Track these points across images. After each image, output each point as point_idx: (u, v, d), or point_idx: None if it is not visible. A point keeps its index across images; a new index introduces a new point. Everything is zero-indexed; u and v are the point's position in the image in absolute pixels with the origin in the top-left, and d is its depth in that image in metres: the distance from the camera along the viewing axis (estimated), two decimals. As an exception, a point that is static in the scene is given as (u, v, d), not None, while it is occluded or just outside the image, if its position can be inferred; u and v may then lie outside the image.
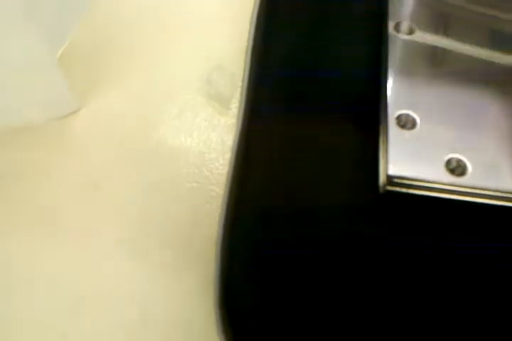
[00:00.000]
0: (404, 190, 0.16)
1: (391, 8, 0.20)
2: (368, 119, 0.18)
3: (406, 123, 0.17)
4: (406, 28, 0.19)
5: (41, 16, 0.24)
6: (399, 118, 0.17)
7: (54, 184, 0.24)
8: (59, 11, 0.28)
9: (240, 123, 0.23)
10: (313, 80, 0.20)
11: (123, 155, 0.26)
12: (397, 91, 0.18)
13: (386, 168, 0.16)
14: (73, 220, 0.23)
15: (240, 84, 0.28)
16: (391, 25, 0.19)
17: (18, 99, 0.25)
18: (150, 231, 0.23)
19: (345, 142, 0.18)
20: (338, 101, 0.19)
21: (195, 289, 0.22)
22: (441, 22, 0.21)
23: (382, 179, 0.16)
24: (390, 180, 0.16)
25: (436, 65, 0.19)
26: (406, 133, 0.17)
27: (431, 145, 0.17)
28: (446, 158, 0.16)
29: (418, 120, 0.17)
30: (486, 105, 0.18)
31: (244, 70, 0.25)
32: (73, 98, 0.26)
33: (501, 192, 0.16)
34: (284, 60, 0.22)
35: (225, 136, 0.26)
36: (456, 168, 0.16)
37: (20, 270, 0.22)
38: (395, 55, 0.19)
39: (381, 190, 0.16)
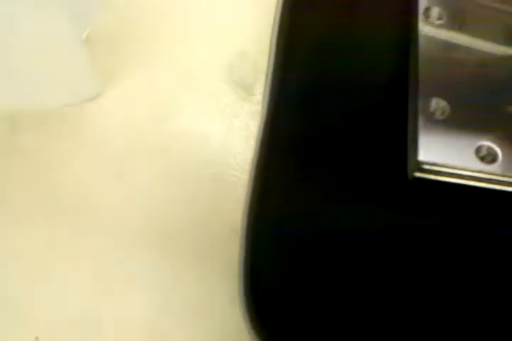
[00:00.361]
0: (432, 176, 0.16)
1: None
2: (397, 105, 0.18)
3: (436, 110, 0.17)
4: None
5: None
6: (429, 104, 0.17)
7: (73, 172, 0.25)
8: None
9: (265, 108, 0.23)
10: (342, 67, 0.20)
11: (144, 142, 0.26)
12: (427, 79, 0.17)
13: (416, 154, 0.16)
14: (94, 210, 0.24)
15: (263, 69, 0.28)
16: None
17: (39, 80, 0.26)
18: (172, 218, 0.24)
19: (373, 129, 0.18)
20: (366, 87, 0.19)
21: (218, 276, 0.22)
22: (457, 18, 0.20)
23: (410, 165, 0.16)
24: (419, 166, 0.16)
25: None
26: (436, 119, 0.17)
27: (461, 132, 0.17)
28: (477, 145, 0.16)
29: (448, 107, 0.17)
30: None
31: (270, 56, 0.25)
32: (95, 82, 0.26)
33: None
34: (311, 45, 0.22)
35: (249, 121, 0.26)
36: (487, 156, 0.16)
37: (38, 258, 0.23)
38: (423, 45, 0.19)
39: (409, 176, 0.16)
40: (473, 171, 0.16)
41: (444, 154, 0.16)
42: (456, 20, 0.19)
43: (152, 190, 0.24)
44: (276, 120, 0.21)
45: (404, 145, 0.17)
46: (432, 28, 0.18)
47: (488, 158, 0.16)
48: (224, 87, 0.27)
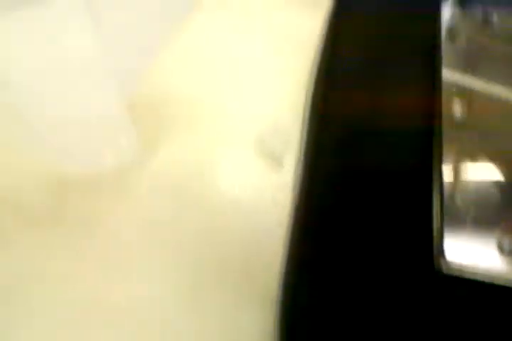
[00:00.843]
0: (458, 273, 0.17)
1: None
2: (422, 197, 0.19)
3: (461, 207, 0.18)
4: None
5: (113, 62, 0.26)
6: (454, 201, 0.18)
7: (112, 239, 0.26)
8: (130, 57, 0.31)
9: (297, 183, 0.24)
10: (370, 153, 0.22)
11: (177, 204, 0.27)
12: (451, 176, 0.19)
13: (442, 252, 0.17)
14: (126, 266, 0.25)
15: (294, 144, 0.29)
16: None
17: (85, 146, 0.27)
18: (203, 281, 0.25)
19: (400, 217, 0.19)
20: (393, 177, 0.21)
21: (254, 330, 0.23)
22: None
23: (436, 263, 0.17)
24: (445, 266, 0.17)
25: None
26: (460, 213, 0.18)
27: (483, 226, 0.18)
28: (498, 238, 0.17)
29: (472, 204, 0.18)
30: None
31: (302, 133, 0.27)
32: (136, 147, 0.28)
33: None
34: (343, 121, 0.24)
35: (277, 193, 0.28)
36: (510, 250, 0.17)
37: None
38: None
39: (436, 271, 0.17)
40: (496, 270, 0.17)
41: (469, 250, 0.17)
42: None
43: (183, 248, 0.26)
44: (307, 198, 0.22)
45: (430, 236, 0.18)
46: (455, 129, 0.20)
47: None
48: (255, 157, 0.29)
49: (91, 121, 0.26)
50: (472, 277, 0.17)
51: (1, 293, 0.24)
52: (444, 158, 0.20)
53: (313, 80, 0.29)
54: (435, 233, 0.18)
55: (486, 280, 0.16)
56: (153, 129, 0.30)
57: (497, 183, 0.19)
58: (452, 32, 0.23)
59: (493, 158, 0.20)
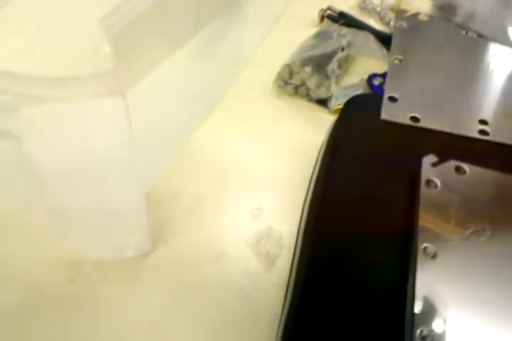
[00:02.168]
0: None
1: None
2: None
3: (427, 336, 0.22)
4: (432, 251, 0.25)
5: (138, 158, 0.29)
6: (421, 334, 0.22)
7: (117, 320, 0.29)
8: (152, 154, 0.35)
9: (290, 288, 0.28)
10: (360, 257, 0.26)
11: (185, 297, 0.31)
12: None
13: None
14: None
15: (286, 245, 0.34)
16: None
17: (103, 236, 0.31)
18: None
19: None
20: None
21: None
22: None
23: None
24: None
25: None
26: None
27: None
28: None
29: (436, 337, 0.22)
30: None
31: (297, 240, 0.31)
32: (149, 239, 0.32)
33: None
34: (335, 248, 0.28)
35: (270, 289, 0.31)
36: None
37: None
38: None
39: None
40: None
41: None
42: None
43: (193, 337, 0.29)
44: (300, 305, 0.26)
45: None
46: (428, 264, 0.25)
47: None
48: (250, 254, 0.33)
49: (113, 213, 0.30)
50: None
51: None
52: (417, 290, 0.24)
53: (310, 195, 0.34)
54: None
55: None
56: (161, 222, 0.34)
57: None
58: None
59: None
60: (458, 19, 0.20)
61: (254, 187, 0.37)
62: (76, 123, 0.23)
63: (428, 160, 0.30)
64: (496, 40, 0.20)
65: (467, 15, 0.20)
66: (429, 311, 0.23)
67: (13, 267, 0.30)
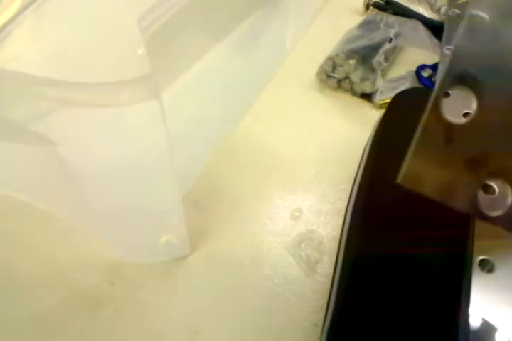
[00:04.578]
0: None
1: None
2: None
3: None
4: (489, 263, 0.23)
5: (177, 160, 0.28)
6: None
7: (156, 324, 0.28)
8: (189, 158, 0.34)
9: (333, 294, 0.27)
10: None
11: (223, 302, 0.30)
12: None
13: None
14: None
15: (327, 250, 0.32)
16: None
17: (140, 238, 0.30)
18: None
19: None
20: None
21: None
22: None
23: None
24: None
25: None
26: None
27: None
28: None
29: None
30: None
31: (340, 245, 0.30)
32: (187, 243, 0.31)
33: None
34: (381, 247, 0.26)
35: (310, 296, 0.30)
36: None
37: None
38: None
39: None
40: None
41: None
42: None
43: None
44: (343, 315, 0.25)
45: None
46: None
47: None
48: (291, 261, 0.32)
49: (151, 216, 0.29)
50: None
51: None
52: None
53: (354, 196, 0.32)
54: None
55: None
56: (199, 224, 0.33)
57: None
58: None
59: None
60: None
61: (295, 187, 0.36)
62: (111, 127, 0.23)
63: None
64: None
65: None
66: (485, 330, 0.22)
67: (54, 269, 0.30)
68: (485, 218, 0.18)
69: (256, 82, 0.41)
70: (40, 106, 0.20)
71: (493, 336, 0.21)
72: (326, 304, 0.27)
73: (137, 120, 0.23)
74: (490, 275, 0.23)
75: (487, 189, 0.17)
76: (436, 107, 0.17)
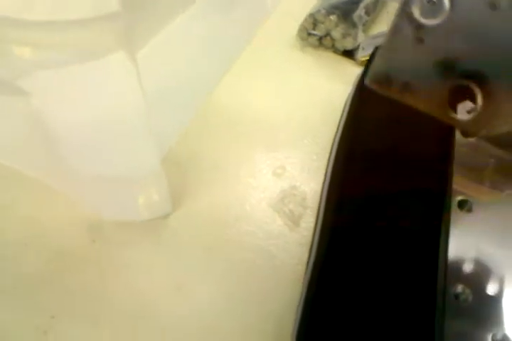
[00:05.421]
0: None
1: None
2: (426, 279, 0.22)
3: (460, 295, 0.21)
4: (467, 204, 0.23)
5: (154, 123, 0.28)
6: (455, 289, 0.21)
7: (140, 280, 0.28)
8: (168, 118, 0.33)
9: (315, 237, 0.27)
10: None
11: (205, 259, 0.30)
12: (455, 266, 0.21)
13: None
14: (155, 323, 0.27)
15: (310, 205, 0.32)
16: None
17: (120, 198, 0.30)
18: (226, 332, 0.27)
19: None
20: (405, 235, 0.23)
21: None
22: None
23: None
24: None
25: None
26: (459, 305, 0.21)
27: (479, 319, 0.20)
28: (493, 332, 0.20)
29: (471, 296, 0.21)
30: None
31: (320, 200, 0.30)
32: (168, 201, 0.31)
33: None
34: (360, 199, 0.26)
35: (294, 249, 0.30)
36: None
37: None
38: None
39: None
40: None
41: (466, 339, 0.19)
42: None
43: (210, 304, 0.28)
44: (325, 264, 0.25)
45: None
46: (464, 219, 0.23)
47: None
48: (274, 215, 0.32)
49: (130, 174, 0.29)
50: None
51: (39, 334, 0.26)
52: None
53: (334, 152, 0.32)
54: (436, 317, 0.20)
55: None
56: (181, 183, 0.33)
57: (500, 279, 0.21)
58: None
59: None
60: None
61: (277, 146, 0.35)
62: (85, 81, 0.22)
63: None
64: None
65: None
66: (464, 267, 0.22)
67: (36, 230, 0.30)
68: (454, 123, 0.18)
69: (236, 41, 0.40)
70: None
71: (469, 272, 0.21)
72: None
73: (110, 74, 0.22)
74: (469, 215, 0.23)
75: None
76: (408, 7, 0.17)
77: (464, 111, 0.17)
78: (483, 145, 0.25)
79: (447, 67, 0.17)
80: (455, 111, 0.17)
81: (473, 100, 0.17)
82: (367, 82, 0.19)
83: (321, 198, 0.30)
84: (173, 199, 0.31)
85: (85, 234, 0.30)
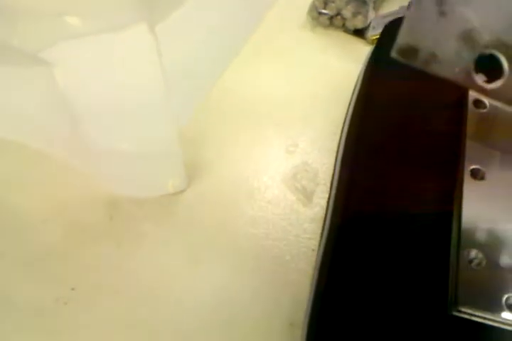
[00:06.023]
0: (467, 316, 0.20)
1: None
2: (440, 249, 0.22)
3: (474, 260, 0.21)
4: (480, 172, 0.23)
5: (171, 95, 0.27)
6: (468, 255, 0.21)
7: (157, 255, 0.29)
8: (182, 95, 0.34)
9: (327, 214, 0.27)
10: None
11: (222, 233, 0.30)
12: (469, 231, 0.22)
13: (454, 299, 0.20)
14: (170, 295, 0.28)
15: (322, 181, 0.32)
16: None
17: (138, 174, 0.30)
18: (237, 309, 0.27)
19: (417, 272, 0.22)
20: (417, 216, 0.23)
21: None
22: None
23: (449, 306, 0.20)
24: (456, 309, 0.20)
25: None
26: (473, 269, 0.21)
27: (493, 283, 0.20)
28: (507, 295, 0.20)
29: (485, 260, 0.21)
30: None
31: (333, 176, 0.30)
32: (184, 177, 0.31)
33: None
34: (371, 178, 0.26)
35: (307, 224, 0.30)
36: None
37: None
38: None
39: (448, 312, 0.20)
40: (502, 319, 0.19)
41: (479, 301, 0.20)
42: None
43: (224, 278, 0.28)
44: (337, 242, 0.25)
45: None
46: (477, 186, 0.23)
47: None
48: (287, 191, 0.32)
49: (147, 150, 0.29)
50: (479, 320, 0.19)
51: (60, 305, 0.27)
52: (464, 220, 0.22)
53: (345, 131, 0.32)
54: (450, 281, 0.20)
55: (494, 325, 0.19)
56: (195, 161, 0.33)
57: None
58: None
59: None
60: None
61: (289, 124, 0.36)
62: (107, 52, 0.22)
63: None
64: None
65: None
66: (477, 234, 0.22)
67: (54, 206, 0.30)
68: (481, 91, 0.18)
69: (247, 21, 0.40)
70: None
71: (488, 240, 0.22)
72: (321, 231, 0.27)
73: (130, 48, 0.22)
74: (482, 183, 0.23)
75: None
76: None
77: (490, 79, 0.17)
78: (494, 114, 0.25)
79: (471, 38, 0.17)
80: (482, 79, 0.18)
81: (499, 67, 0.17)
82: (393, 53, 0.19)
83: (333, 177, 0.30)
84: (187, 176, 0.32)
85: (103, 211, 0.30)
